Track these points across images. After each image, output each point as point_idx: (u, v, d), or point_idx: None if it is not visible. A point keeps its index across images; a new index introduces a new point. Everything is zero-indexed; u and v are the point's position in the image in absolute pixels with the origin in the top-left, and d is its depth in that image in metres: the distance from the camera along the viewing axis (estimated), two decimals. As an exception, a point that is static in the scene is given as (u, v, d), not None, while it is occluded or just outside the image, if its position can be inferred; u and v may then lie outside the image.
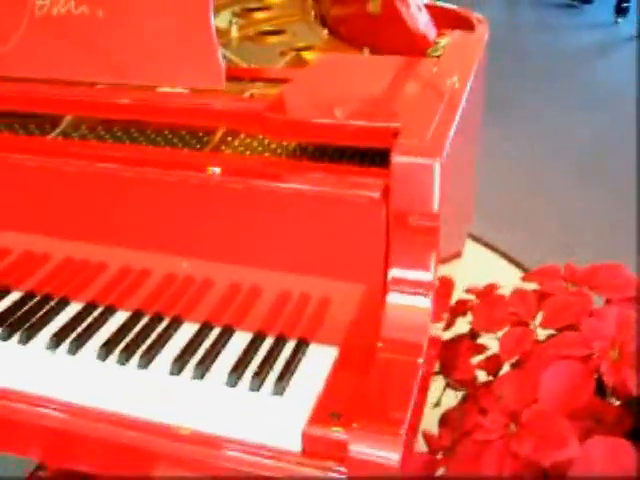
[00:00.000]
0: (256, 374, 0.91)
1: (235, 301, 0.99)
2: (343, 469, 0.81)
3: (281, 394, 0.89)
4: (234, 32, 1.36)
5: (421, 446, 1.29)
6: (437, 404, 1.39)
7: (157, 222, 0.98)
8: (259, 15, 1.49)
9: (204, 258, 0.97)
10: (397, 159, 0.81)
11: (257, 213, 0.92)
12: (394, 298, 0.85)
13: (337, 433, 0.82)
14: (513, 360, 1.31)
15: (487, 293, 1.43)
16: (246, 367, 0.93)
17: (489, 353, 1.36)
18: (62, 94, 1.05)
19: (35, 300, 1.07)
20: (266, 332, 0.99)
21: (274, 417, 0.86)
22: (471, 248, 2.25)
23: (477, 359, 1.37)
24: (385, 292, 0.87)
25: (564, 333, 1.27)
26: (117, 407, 0.90)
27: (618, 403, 1.14)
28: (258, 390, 0.90)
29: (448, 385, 1.41)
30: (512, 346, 1.29)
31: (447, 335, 1.32)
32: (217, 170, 0.93)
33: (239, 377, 0.91)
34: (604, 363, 1.10)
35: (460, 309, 1.42)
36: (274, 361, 0.94)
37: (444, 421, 1.37)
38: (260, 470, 0.84)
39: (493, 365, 1.35)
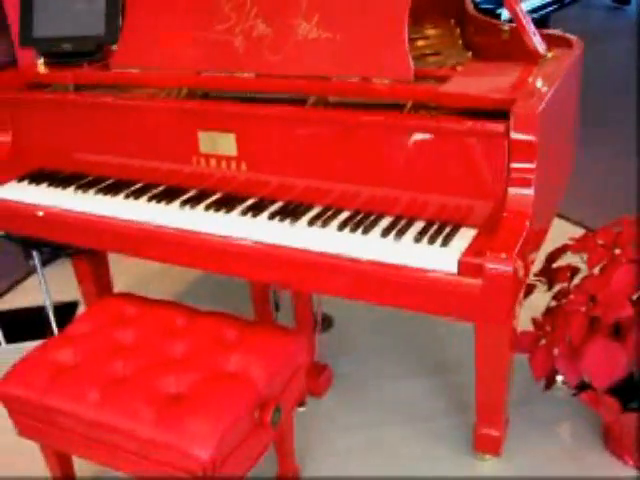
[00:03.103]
0: (431, 237, 1.60)
1: (415, 206, 1.69)
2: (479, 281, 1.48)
3: (446, 245, 1.57)
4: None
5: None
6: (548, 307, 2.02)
7: (371, 162, 1.70)
8: (420, 42, 2.20)
9: (388, 184, 1.70)
10: (515, 110, 1.49)
11: (432, 149, 1.61)
12: (512, 190, 1.52)
13: (478, 260, 1.49)
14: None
15: (584, 235, 2.07)
16: (424, 234, 1.62)
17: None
18: (319, 84, 1.79)
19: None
20: (434, 221, 1.67)
21: (443, 256, 1.55)
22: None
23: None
24: (506, 189, 1.53)
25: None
26: (352, 253, 1.62)
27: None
28: (432, 244, 1.58)
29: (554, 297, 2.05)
30: (598, 259, 1.93)
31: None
32: (412, 124, 1.63)
33: (421, 238, 1.61)
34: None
35: (563, 249, 2.08)
36: (440, 233, 1.62)
37: (547, 311, 2.00)
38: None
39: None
